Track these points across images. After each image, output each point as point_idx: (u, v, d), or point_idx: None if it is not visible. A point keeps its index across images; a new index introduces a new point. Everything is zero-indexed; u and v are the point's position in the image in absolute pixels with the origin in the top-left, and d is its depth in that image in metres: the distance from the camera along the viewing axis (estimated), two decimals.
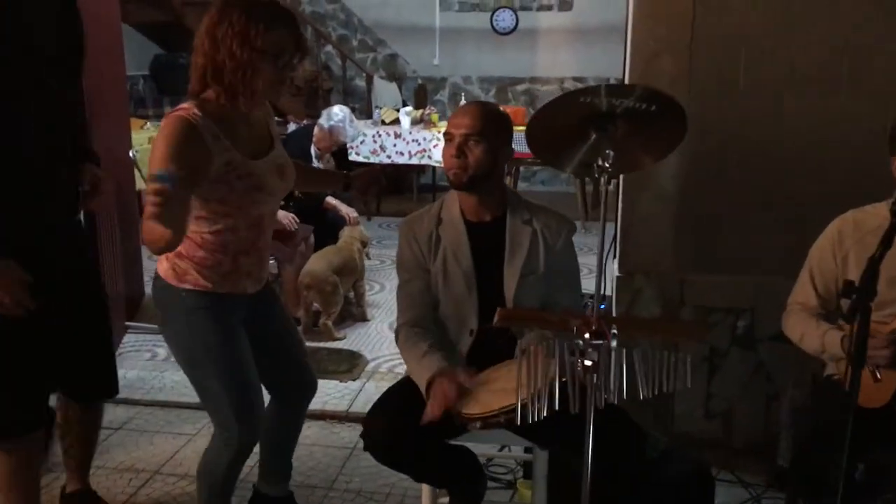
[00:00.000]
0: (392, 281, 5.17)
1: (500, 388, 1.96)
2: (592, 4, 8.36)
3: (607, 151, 1.63)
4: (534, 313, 1.90)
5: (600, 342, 1.70)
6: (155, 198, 1.71)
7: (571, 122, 1.68)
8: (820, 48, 2.86)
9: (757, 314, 3.09)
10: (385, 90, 8.27)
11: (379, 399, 2.28)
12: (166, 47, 8.36)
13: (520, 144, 7.46)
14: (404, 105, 7.91)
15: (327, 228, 4.63)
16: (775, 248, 3.00)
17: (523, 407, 1.75)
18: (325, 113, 4.89)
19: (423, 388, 2.09)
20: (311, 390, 2.47)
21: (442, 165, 2.32)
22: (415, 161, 6.67)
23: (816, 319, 2.32)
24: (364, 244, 4.54)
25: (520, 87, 8.76)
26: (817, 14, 2.85)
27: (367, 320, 4.53)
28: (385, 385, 3.61)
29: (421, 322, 2.26)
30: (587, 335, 1.70)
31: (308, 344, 3.96)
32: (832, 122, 2.89)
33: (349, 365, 3.86)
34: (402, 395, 2.21)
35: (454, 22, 8.66)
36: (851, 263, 2.27)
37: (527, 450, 2.71)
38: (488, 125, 2.17)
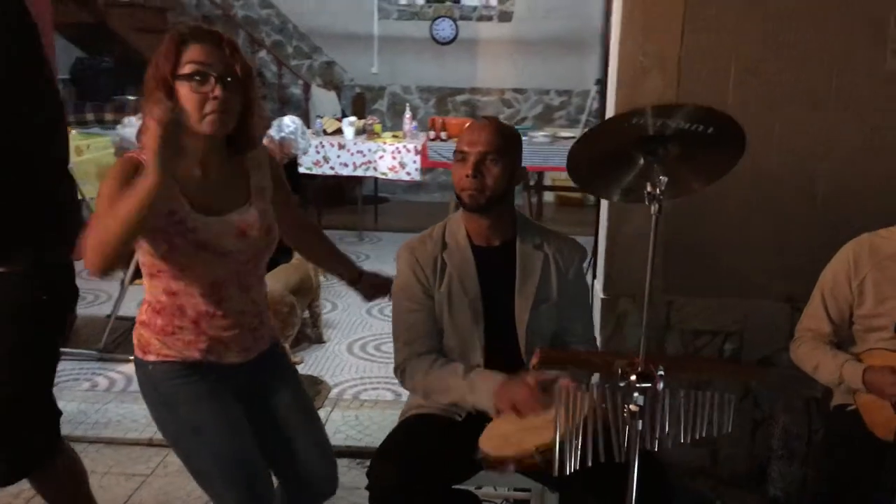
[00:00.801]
0: (345, 299, 4.99)
1: (532, 426, 1.80)
2: (532, 16, 8.32)
3: (661, 177, 1.49)
4: (576, 354, 1.75)
5: (648, 385, 1.57)
6: (160, 130, 1.54)
7: (616, 147, 1.54)
8: (808, 66, 2.82)
9: (745, 337, 3.02)
10: (323, 99, 8.02)
11: (383, 445, 2.07)
12: (88, 50, 7.92)
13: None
14: (344, 115, 7.69)
15: (279, 246, 4.37)
16: (763, 269, 2.94)
17: (561, 452, 1.60)
18: (275, 124, 4.64)
19: (488, 402, 1.92)
20: (325, 489, 2.09)
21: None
22: (359, 172, 6.45)
23: (831, 349, 2.25)
24: None
25: (460, 98, 8.64)
26: (806, 32, 2.80)
27: (324, 342, 4.29)
28: (353, 414, 3.45)
29: (432, 353, 2.08)
30: (633, 378, 1.57)
31: None
32: (819, 142, 2.84)
33: (312, 392, 3.62)
34: (408, 438, 2.02)
35: (393, 30, 8.49)
36: (868, 289, 2.21)
37: (517, 488, 2.56)
38: (504, 142, 2.03)
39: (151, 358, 1.86)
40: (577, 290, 2.13)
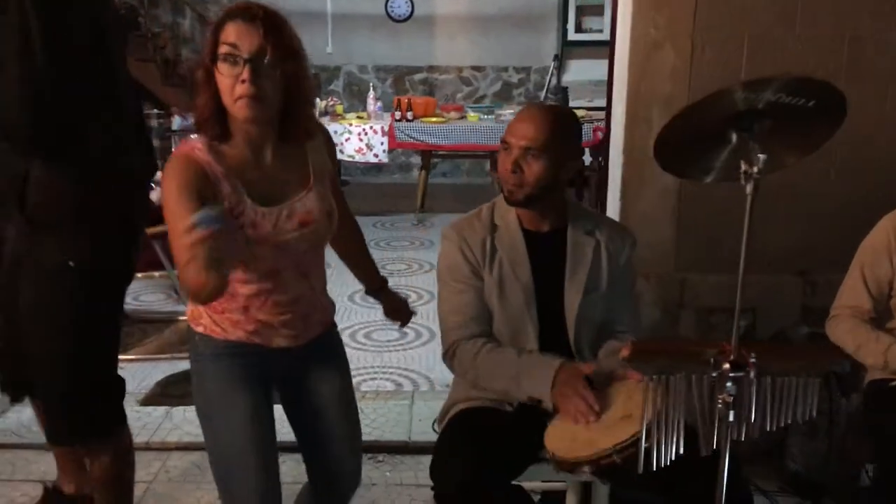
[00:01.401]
0: (341, 288, 4.84)
1: (602, 424, 1.72)
2: None
3: (758, 155, 1.41)
4: (669, 345, 1.67)
5: (741, 374, 1.50)
6: (199, 249, 1.42)
7: (706, 127, 1.46)
8: (820, 38, 2.79)
9: (759, 313, 3.00)
10: None
11: (441, 445, 1.97)
12: None
13: (432, 135, 7.10)
14: None
15: None
16: (775, 244, 2.91)
17: (647, 448, 1.53)
18: None
19: (545, 388, 1.84)
20: (351, 483, 2.04)
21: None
22: None
23: (873, 329, 2.22)
24: None
25: (418, 77, 8.48)
26: (819, 4, 2.76)
27: None
28: None
29: (484, 335, 1.99)
30: (727, 366, 1.50)
31: None
32: None
33: None
34: (465, 435, 1.92)
35: (347, 8, 8.26)
36: None
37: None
38: (553, 137, 1.90)
39: (200, 329, 1.84)
40: (626, 278, 2.06)
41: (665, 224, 2.93)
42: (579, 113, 6.42)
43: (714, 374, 1.50)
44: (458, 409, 2.01)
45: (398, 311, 2.22)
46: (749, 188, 1.45)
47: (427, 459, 3.06)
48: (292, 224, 1.74)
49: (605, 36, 7.95)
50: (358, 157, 6.24)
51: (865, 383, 2.33)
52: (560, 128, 1.92)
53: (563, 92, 8.07)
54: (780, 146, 1.49)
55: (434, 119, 6.38)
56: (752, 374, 1.50)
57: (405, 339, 4.06)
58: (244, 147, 1.71)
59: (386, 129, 6.19)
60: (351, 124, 6.25)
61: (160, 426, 3.14)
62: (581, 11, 7.98)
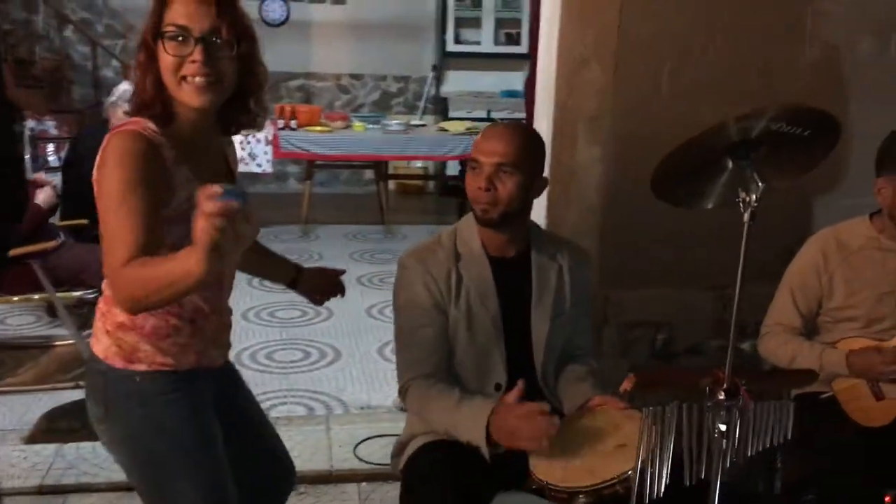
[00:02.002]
0: (237, 304, 4.58)
1: (595, 451, 1.67)
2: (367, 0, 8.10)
3: (757, 184, 1.41)
4: (670, 375, 1.64)
5: (734, 402, 1.50)
6: (221, 221, 1.17)
7: (701, 158, 1.45)
8: (735, 59, 2.89)
9: (675, 327, 3.07)
10: None
11: (412, 478, 1.87)
12: None
13: (319, 145, 6.87)
14: None
15: None
16: (690, 260, 2.99)
17: (644, 477, 1.51)
18: (117, 92, 4.10)
19: (477, 434, 1.73)
20: (291, 480, 1.98)
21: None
22: None
23: (804, 339, 2.30)
24: None
25: (294, 83, 8.24)
26: (733, 27, 2.87)
27: None
28: None
29: (439, 374, 1.90)
30: (721, 396, 1.49)
31: None
32: None
33: None
34: (438, 465, 1.82)
35: None
36: (837, 283, 2.28)
37: None
38: (524, 153, 1.85)
39: (141, 367, 1.59)
40: (585, 301, 2.04)
41: (589, 241, 2.93)
42: (465, 125, 6.44)
43: (709, 404, 1.49)
44: (422, 442, 1.91)
45: (326, 287, 2.06)
46: (746, 216, 1.44)
47: (351, 487, 2.97)
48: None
49: (484, 48, 8.14)
50: (241, 168, 5.95)
51: (793, 396, 2.41)
52: (530, 144, 1.89)
53: (442, 102, 8.10)
54: (772, 171, 1.49)
55: (319, 128, 6.21)
56: (741, 403, 1.50)
57: (310, 359, 3.89)
58: (188, 131, 1.54)
59: (270, 138, 5.96)
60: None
61: (52, 466, 2.84)
62: (459, 23, 8.01)
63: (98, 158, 1.47)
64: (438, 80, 8.14)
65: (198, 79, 1.46)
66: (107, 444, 1.67)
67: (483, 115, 7.69)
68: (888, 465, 2.08)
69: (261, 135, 5.97)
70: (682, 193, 1.57)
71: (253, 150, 5.95)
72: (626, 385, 1.45)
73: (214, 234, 1.17)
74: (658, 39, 2.82)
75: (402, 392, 1.93)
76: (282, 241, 6.22)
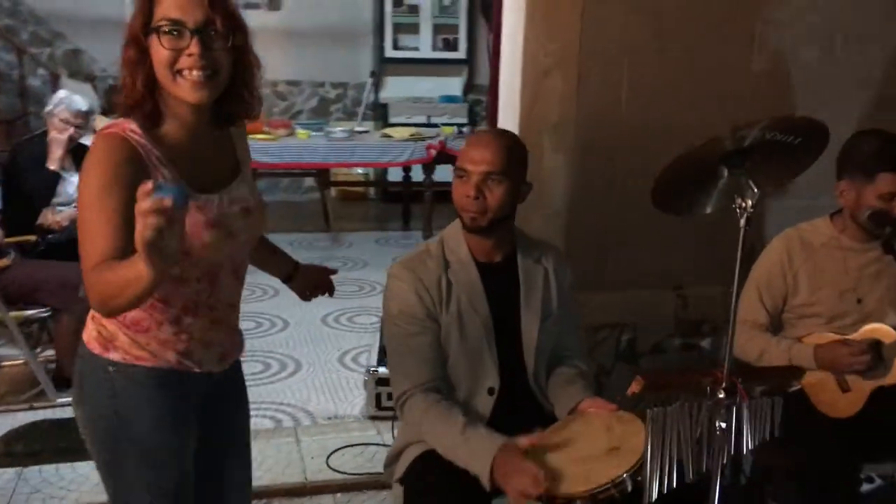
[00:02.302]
0: None
1: (589, 455, 1.71)
2: (302, 6, 8.03)
3: (753, 190, 1.48)
4: (677, 377, 1.68)
5: (734, 400, 1.57)
6: (154, 218, 1.15)
7: (698, 168, 1.51)
8: (688, 66, 2.99)
9: (639, 327, 3.15)
10: (77, 92, 7.12)
11: (415, 487, 1.88)
12: None
13: (263, 153, 6.78)
14: (104, 111, 6.90)
15: None
16: (652, 262, 3.08)
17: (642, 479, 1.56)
18: (54, 101, 4.01)
19: (483, 471, 1.74)
20: None
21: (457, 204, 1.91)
22: None
23: (771, 336, 2.40)
24: None
25: None
26: (687, 36, 2.97)
27: None
28: None
29: (437, 384, 1.92)
30: (721, 395, 1.56)
31: None
32: (698, 137, 3.02)
33: None
34: (441, 473, 1.84)
35: None
36: (802, 280, 2.38)
37: None
38: (511, 160, 1.89)
39: (116, 357, 1.57)
40: (570, 302, 2.08)
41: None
42: (409, 132, 6.46)
43: (710, 403, 1.55)
44: (419, 451, 1.92)
45: (319, 283, 2.09)
46: (742, 222, 1.51)
47: (326, 499, 2.96)
48: (237, 211, 1.60)
49: (423, 54, 8.17)
50: None
51: (759, 392, 2.51)
52: (516, 151, 1.93)
53: (382, 108, 8.09)
54: (765, 178, 1.56)
55: (262, 136, 6.13)
56: (740, 400, 1.57)
57: (270, 370, 3.85)
58: (178, 130, 1.53)
59: None
60: None
61: (15, 492, 2.75)
62: (397, 29, 8.02)
63: (83, 162, 1.46)
64: (377, 86, 8.13)
65: (195, 72, 1.45)
66: (79, 426, 1.65)
67: (423, 120, 7.72)
68: (856, 452, 2.20)
69: None
70: (682, 203, 1.63)
71: None
72: (635, 387, 1.50)
73: (148, 234, 1.15)
74: (617, 50, 2.91)
75: (400, 404, 1.94)
76: None
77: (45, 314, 3.48)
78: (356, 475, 2.95)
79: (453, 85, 8.15)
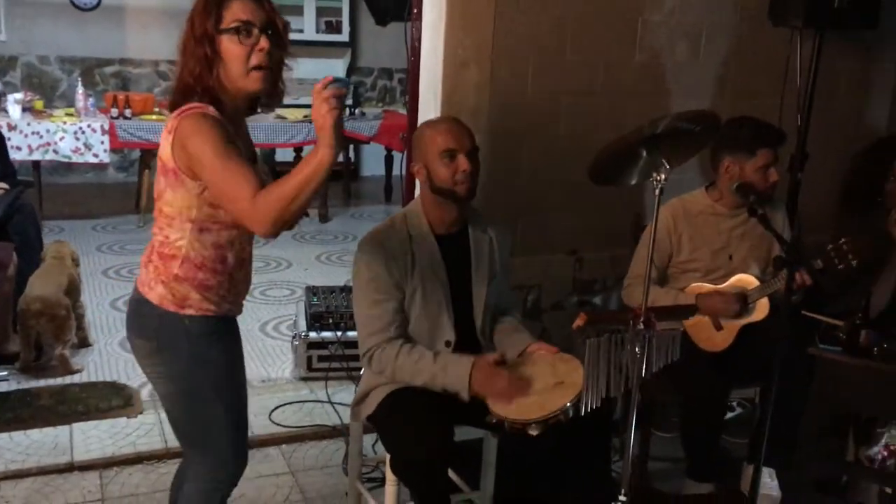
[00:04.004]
0: (97, 297, 4.57)
1: (539, 390, 2.11)
2: None
3: (665, 166, 1.91)
4: (611, 313, 2.09)
5: (649, 330, 2.01)
6: (336, 101, 1.58)
7: (624, 150, 1.94)
8: (585, 61, 3.44)
9: (543, 288, 3.60)
10: None
11: (385, 421, 2.25)
12: None
13: (156, 133, 6.82)
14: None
15: (25, 242, 3.91)
16: (555, 229, 3.54)
17: (580, 399, 1.98)
18: None
19: (462, 386, 2.14)
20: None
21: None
22: (37, 156, 5.77)
23: (660, 287, 2.88)
24: (76, 262, 3.94)
25: (109, 69, 8.01)
26: (584, 34, 3.41)
27: (91, 344, 3.95)
28: None
29: (402, 335, 2.27)
30: (641, 326, 1.99)
31: (40, 383, 3.47)
32: (593, 123, 3.48)
33: (121, 399, 3.40)
34: (409, 406, 2.20)
35: None
36: (684, 242, 2.89)
37: None
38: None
39: (190, 312, 1.90)
40: (508, 266, 2.48)
41: None
42: (303, 113, 6.64)
43: (630, 333, 1.99)
44: (386, 392, 2.27)
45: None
46: (657, 191, 1.94)
47: (273, 450, 3.25)
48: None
49: (307, 36, 8.34)
50: (76, 158, 5.85)
51: None
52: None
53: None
54: (673, 157, 1.99)
55: (154, 116, 6.20)
56: (653, 332, 2.02)
57: None
58: (231, 116, 1.83)
59: (106, 127, 5.89)
60: (64, 122, 5.83)
61: None
62: (281, 11, 8.10)
63: (172, 141, 1.74)
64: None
65: (263, 66, 1.77)
66: (153, 376, 1.97)
67: (309, 101, 7.89)
68: (728, 378, 2.73)
69: (96, 124, 5.89)
70: (612, 177, 2.04)
71: (88, 140, 5.85)
72: (579, 322, 1.91)
73: (336, 112, 1.55)
74: (524, 46, 3.31)
75: (367, 357, 2.28)
76: (121, 232, 6.18)
77: None
78: (298, 427, 3.26)
79: (336, 67, 8.37)
